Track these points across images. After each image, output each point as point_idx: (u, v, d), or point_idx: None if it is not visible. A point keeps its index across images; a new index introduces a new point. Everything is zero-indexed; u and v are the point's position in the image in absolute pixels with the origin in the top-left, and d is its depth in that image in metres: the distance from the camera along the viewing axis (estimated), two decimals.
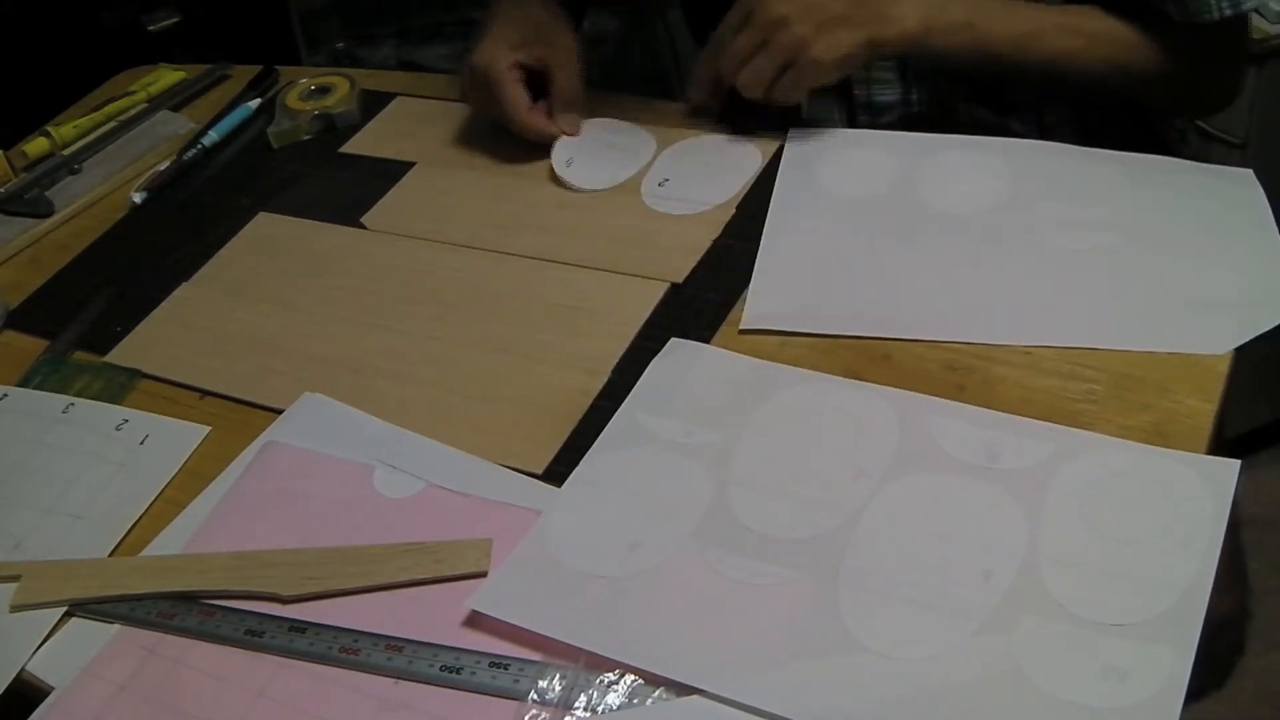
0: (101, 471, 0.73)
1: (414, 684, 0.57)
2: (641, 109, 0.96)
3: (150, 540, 0.68)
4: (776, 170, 0.86)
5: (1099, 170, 0.81)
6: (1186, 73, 0.86)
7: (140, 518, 0.69)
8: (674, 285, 0.78)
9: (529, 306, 0.79)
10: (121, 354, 0.83)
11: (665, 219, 0.85)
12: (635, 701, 0.55)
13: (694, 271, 0.79)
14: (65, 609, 0.64)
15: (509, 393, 0.73)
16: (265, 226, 0.94)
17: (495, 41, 0.92)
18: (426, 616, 0.60)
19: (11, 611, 0.64)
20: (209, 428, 0.75)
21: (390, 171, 0.96)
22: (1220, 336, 0.66)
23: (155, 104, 1.13)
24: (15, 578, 0.66)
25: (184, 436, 0.74)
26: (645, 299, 0.77)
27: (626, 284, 0.79)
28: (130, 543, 0.68)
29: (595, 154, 0.92)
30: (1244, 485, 0.58)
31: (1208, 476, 0.59)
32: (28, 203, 1.01)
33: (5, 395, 0.80)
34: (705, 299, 0.77)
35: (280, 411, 0.74)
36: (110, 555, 0.67)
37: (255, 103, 1.09)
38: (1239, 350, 0.66)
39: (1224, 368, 0.65)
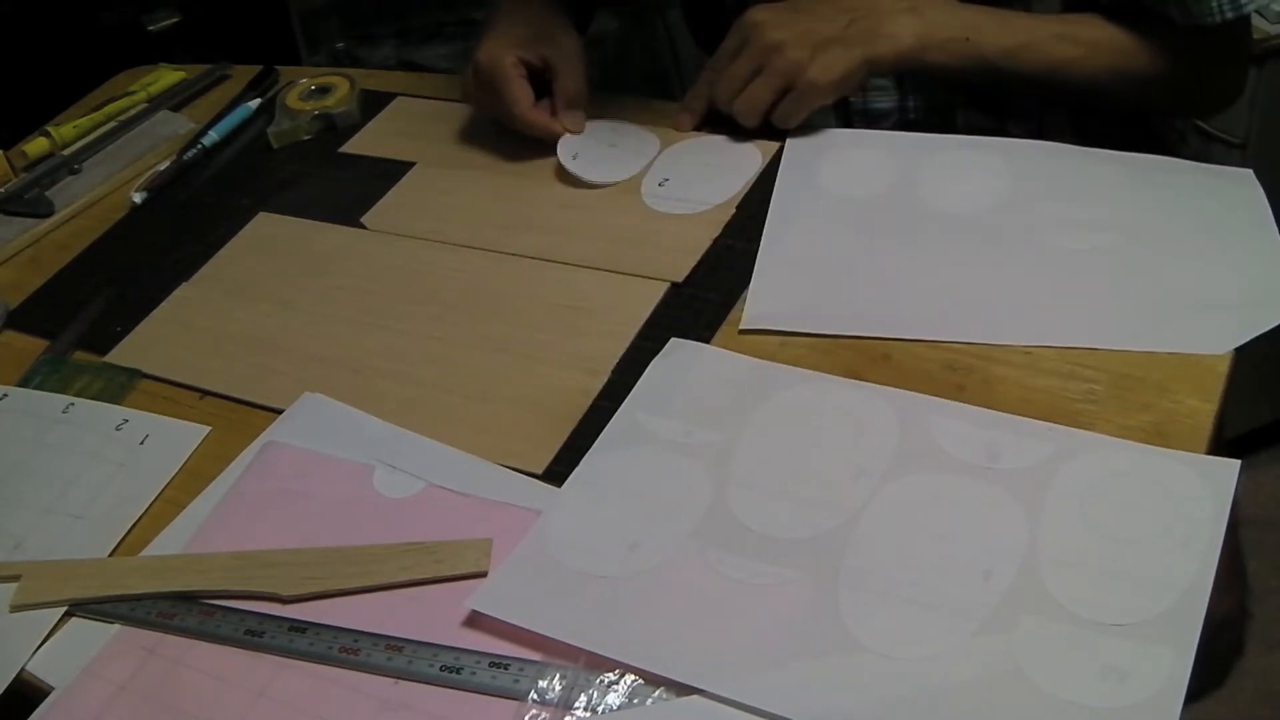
0: (101, 471, 0.73)
1: (414, 684, 0.57)
2: (641, 109, 0.96)
3: (150, 540, 0.68)
4: (776, 170, 0.86)
5: (1099, 170, 0.80)
6: (1189, 75, 0.86)
7: (140, 518, 0.69)
8: (674, 285, 0.78)
9: (529, 306, 0.79)
10: (121, 354, 0.83)
11: (665, 219, 0.85)
12: (635, 701, 0.55)
13: (694, 271, 0.79)
14: (65, 609, 0.64)
15: (509, 393, 0.73)
16: (265, 226, 0.94)
17: (499, 40, 0.92)
18: (426, 616, 0.60)
19: (11, 611, 0.64)
20: (209, 428, 0.75)
21: (390, 171, 0.96)
22: (1220, 336, 0.66)
23: (155, 104, 1.13)
24: (15, 578, 0.66)
25: (184, 436, 0.74)
26: (645, 299, 0.77)
27: (626, 284, 0.79)
28: (130, 543, 0.68)
29: (596, 154, 0.92)
30: (1244, 485, 0.58)
31: (1208, 476, 0.59)
32: (28, 203, 1.01)
33: (5, 395, 0.80)
34: (705, 299, 0.77)
35: (280, 411, 0.74)
36: (110, 555, 0.67)
37: (255, 103, 1.09)
38: (1239, 350, 0.66)
39: (1224, 368, 0.65)
